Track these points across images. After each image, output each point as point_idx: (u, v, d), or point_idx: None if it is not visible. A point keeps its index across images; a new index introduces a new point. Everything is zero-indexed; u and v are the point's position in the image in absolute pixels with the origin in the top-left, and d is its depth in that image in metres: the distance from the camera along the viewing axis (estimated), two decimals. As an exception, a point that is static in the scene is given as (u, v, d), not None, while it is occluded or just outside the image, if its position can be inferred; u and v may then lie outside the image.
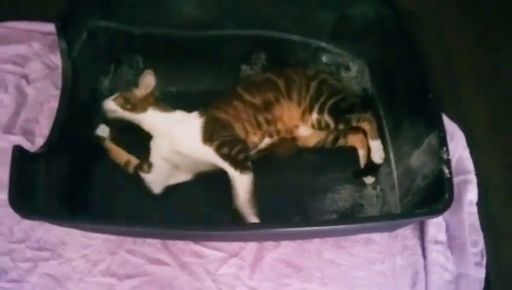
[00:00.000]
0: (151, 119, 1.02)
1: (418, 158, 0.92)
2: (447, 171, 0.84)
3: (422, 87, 0.94)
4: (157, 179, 1.00)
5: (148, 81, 1.05)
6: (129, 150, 1.03)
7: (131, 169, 1.01)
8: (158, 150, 1.01)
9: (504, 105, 1.19)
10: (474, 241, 0.98)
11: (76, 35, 1.00)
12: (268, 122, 1.02)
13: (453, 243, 0.98)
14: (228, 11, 1.09)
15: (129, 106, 1.02)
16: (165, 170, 1.01)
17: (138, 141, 1.04)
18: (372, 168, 1.04)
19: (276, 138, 1.03)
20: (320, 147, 1.07)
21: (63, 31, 0.94)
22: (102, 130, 1.04)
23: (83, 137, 1.02)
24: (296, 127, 1.05)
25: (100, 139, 1.03)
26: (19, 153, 0.80)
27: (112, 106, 1.02)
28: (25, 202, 0.78)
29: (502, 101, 1.20)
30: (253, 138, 1.01)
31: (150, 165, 1.00)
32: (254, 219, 0.93)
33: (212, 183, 1.01)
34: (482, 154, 1.08)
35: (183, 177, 1.03)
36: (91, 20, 1.04)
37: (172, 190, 1.02)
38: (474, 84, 1.21)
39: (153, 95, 1.05)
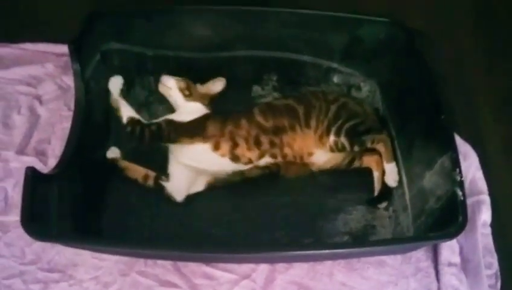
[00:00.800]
0: (193, 111, 1.04)
1: (430, 179, 0.92)
2: (460, 193, 0.84)
3: (434, 108, 0.94)
4: (178, 187, 1.00)
5: (217, 85, 1.08)
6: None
7: (150, 182, 1.01)
8: (179, 154, 1.01)
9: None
10: (488, 264, 0.96)
11: (90, 57, 1.01)
12: (272, 144, 1.01)
13: (467, 266, 0.96)
14: (240, 33, 1.10)
15: (187, 92, 1.05)
16: (184, 176, 1.01)
17: (150, 160, 1.04)
18: (386, 192, 1.03)
19: (280, 159, 1.02)
20: (334, 169, 1.06)
21: (77, 53, 0.95)
22: (113, 152, 1.05)
23: (96, 158, 1.02)
24: (310, 154, 1.03)
25: (113, 160, 1.04)
26: (31, 174, 0.80)
27: (171, 83, 1.05)
28: (37, 224, 0.78)
29: (516, 121, 1.19)
30: (247, 153, 1.00)
31: (168, 175, 1.01)
32: None
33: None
34: (496, 174, 1.07)
35: (201, 185, 1.03)
36: (105, 42, 1.06)
37: (188, 210, 1.02)
38: (488, 103, 1.20)
39: (210, 98, 1.08)
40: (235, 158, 1.00)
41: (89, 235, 0.91)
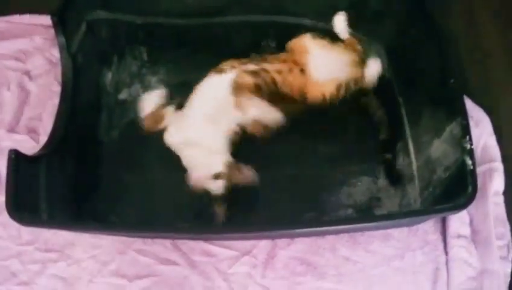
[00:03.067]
0: None
1: (438, 148, 0.86)
2: (469, 162, 0.78)
3: (443, 71, 0.87)
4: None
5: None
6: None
7: None
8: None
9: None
10: (500, 234, 0.92)
11: (75, 28, 0.96)
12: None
13: (477, 237, 0.92)
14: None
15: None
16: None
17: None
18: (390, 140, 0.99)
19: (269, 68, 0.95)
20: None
21: (61, 25, 0.90)
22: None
23: (88, 136, 0.98)
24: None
25: None
26: (15, 157, 0.76)
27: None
28: (25, 210, 0.74)
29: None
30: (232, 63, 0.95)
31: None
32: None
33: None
34: (510, 140, 1.00)
35: None
36: (90, 12, 1.00)
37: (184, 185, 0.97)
38: (503, 66, 1.11)
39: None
40: (219, 70, 0.94)
41: (82, 217, 0.88)
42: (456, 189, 0.78)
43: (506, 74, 1.10)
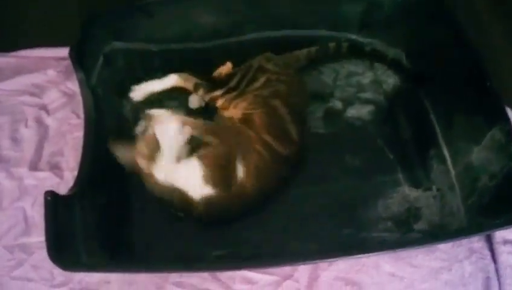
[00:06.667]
0: None
1: (480, 155, 0.84)
2: (519, 169, 0.76)
3: (477, 74, 0.85)
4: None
5: None
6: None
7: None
8: None
9: None
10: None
11: (93, 62, 0.95)
12: None
13: (526, 241, 0.90)
14: (247, 15, 1.02)
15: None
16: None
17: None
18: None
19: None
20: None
21: (79, 61, 0.88)
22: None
23: (115, 169, 0.95)
24: None
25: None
26: (52, 198, 0.73)
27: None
28: (66, 254, 0.72)
29: None
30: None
31: None
32: None
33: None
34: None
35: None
36: (106, 44, 0.98)
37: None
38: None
39: None
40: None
41: (119, 255, 0.85)
42: (505, 197, 0.75)
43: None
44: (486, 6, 1.14)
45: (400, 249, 0.81)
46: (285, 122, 0.94)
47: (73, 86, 1.10)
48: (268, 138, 0.91)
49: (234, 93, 0.96)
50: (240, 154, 0.89)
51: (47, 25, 1.19)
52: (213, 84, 0.99)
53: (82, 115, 0.91)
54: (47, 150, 1.04)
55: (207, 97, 0.99)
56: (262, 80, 0.96)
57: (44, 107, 1.09)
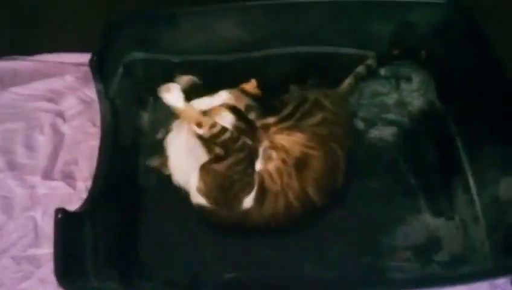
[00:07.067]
0: None
1: (508, 187, 0.80)
2: (551, 204, 0.72)
3: (508, 102, 0.81)
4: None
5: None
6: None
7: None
8: None
9: None
10: None
11: (113, 72, 0.92)
12: None
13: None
14: (272, 30, 1.00)
15: None
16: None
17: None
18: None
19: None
20: None
21: (99, 71, 0.86)
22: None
23: (128, 182, 0.94)
24: None
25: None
26: (63, 216, 0.71)
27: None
28: (74, 274, 0.69)
29: None
30: None
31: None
32: None
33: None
34: None
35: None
36: (127, 54, 0.96)
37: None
38: None
39: None
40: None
41: (130, 274, 0.83)
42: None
43: None
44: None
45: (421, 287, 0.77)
46: (338, 169, 0.90)
47: (91, 93, 1.08)
48: (311, 191, 0.86)
49: (288, 123, 0.89)
50: (256, 194, 0.85)
51: (67, 29, 1.18)
52: (262, 105, 0.93)
53: (98, 124, 0.88)
54: (61, 158, 1.03)
55: (258, 123, 0.90)
56: (319, 116, 0.90)
57: (60, 114, 1.08)
